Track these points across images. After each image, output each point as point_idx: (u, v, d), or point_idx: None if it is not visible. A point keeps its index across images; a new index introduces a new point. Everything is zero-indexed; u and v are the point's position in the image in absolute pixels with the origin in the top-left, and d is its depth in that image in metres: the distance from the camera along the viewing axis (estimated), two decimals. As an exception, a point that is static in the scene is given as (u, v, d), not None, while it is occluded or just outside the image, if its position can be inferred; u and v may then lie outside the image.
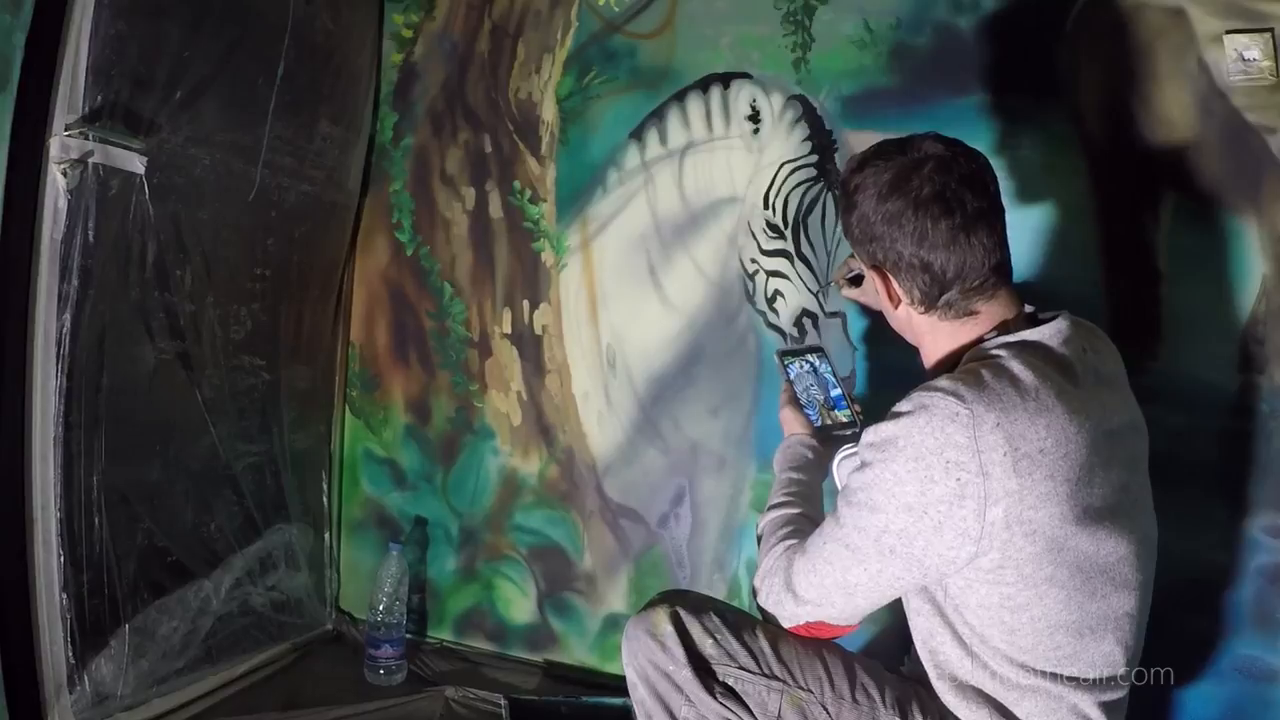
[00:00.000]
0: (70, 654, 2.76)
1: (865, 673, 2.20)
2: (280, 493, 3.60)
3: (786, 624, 2.20)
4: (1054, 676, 2.00)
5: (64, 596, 2.74)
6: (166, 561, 3.09)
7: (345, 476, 3.99)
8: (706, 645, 2.17)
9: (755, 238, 3.31)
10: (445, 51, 3.80)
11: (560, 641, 3.66)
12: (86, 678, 2.80)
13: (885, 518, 1.95)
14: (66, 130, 2.65)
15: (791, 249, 3.26)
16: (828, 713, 2.12)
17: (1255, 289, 2.73)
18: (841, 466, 2.41)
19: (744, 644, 2.18)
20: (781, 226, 3.26)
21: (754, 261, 3.31)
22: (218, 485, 3.32)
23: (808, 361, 2.73)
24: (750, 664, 2.15)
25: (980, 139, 2.92)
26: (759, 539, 2.39)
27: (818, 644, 2.22)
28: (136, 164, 2.81)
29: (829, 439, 2.59)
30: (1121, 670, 2.05)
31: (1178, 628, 2.69)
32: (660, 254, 3.46)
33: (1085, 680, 2.01)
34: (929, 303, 2.10)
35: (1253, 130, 2.72)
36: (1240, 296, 2.74)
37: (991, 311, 2.10)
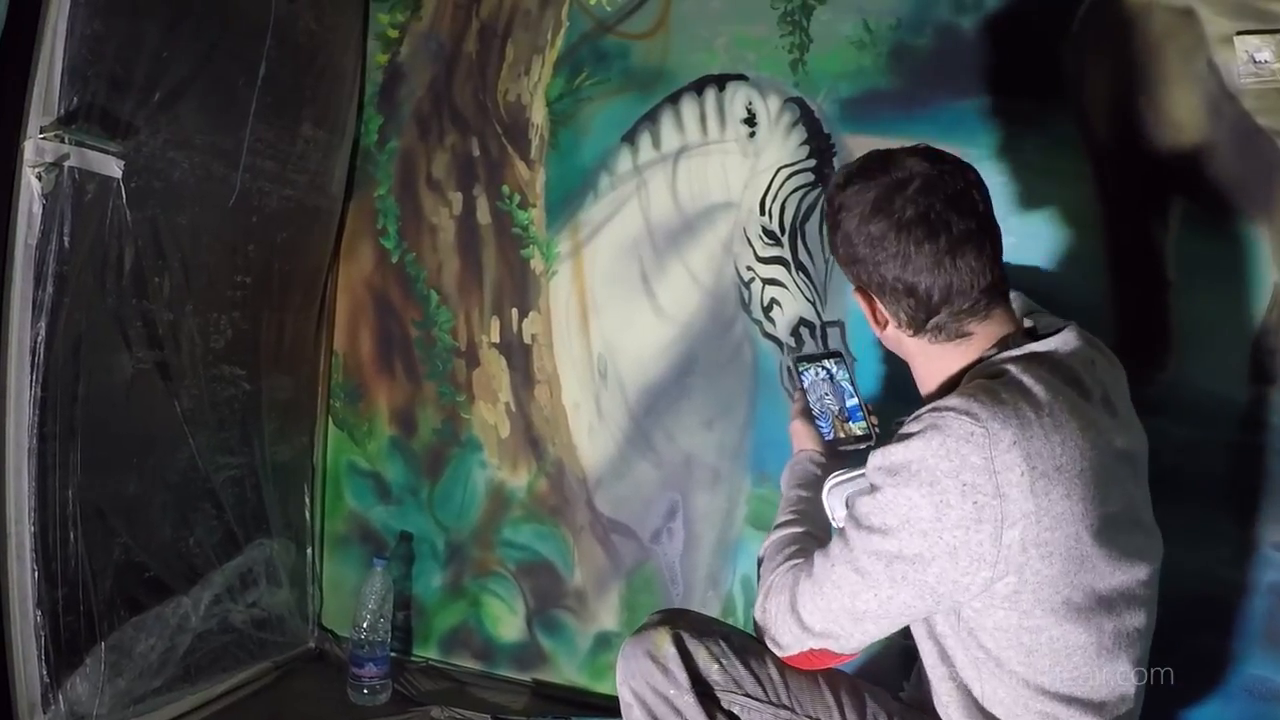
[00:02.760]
0: (44, 672, 2.75)
1: (874, 701, 2.21)
2: (261, 506, 3.59)
3: (786, 650, 2.17)
4: (1069, 699, 1.99)
5: (38, 613, 2.73)
6: (144, 577, 3.09)
7: (328, 490, 3.99)
8: (712, 670, 2.16)
9: (751, 244, 3.31)
10: (432, 52, 3.80)
11: (549, 660, 3.66)
12: (61, 697, 2.79)
13: (898, 543, 1.92)
14: (41, 133, 2.64)
15: (789, 256, 3.25)
16: None
17: (1267, 297, 2.73)
18: (832, 495, 2.31)
19: (751, 670, 2.17)
20: (778, 233, 3.26)
21: (750, 269, 3.31)
22: (197, 499, 3.32)
23: (824, 368, 2.70)
24: (757, 691, 2.15)
25: (983, 142, 2.94)
26: (760, 560, 2.37)
27: (825, 672, 2.22)
28: (113, 167, 2.81)
29: (840, 454, 2.57)
30: (1133, 689, 2.05)
31: (1186, 646, 2.69)
32: (653, 261, 3.46)
33: (1098, 703, 2.01)
34: (916, 326, 2.10)
35: (1264, 134, 2.73)
36: (1251, 305, 2.75)
37: (987, 331, 2.09)
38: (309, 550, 3.90)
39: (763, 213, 3.28)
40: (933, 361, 2.14)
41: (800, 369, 2.71)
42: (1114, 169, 2.89)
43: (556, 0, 3.61)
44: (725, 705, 2.14)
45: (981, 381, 1.97)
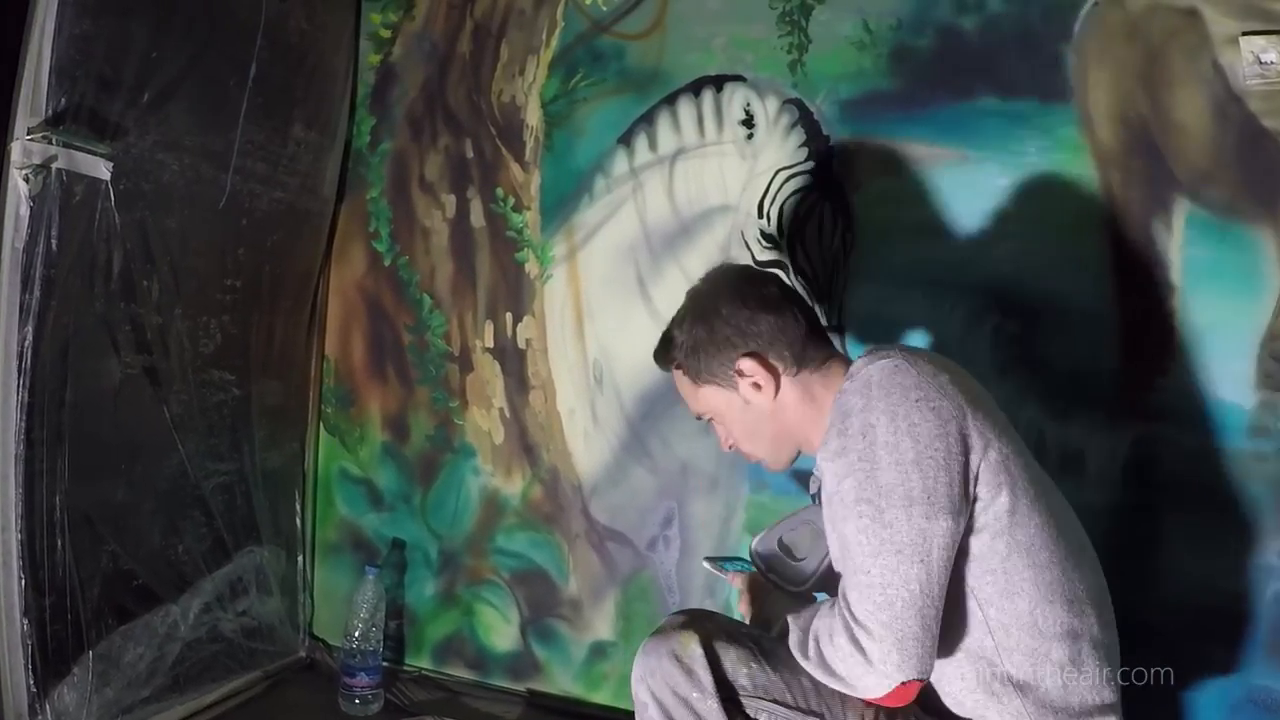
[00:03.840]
0: (31, 682, 2.75)
1: (901, 714, 2.20)
2: (251, 514, 3.59)
3: (872, 691, 2.03)
4: (1071, 603, 2.10)
5: (25, 622, 2.73)
6: (132, 585, 3.08)
7: (319, 497, 3.98)
8: (740, 674, 2.16)
9: (749, 248, 3.30)
10: (425, 52, 3.80)
11: (544, 670, 3.66)
12: (48, 707, 2.79)
13: (902, 489, 2.00)
14: (29, 134, 2.64)
15: (787, 260, 3.25)
16: None
17: (1272, 303, 2.73)
18: (762, 544, 2.52)
19: (781, 677, 2.17)
20: (776, 236, 3.26)
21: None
22: (186, 506, 3.31)
23: (739, 560, 2.81)
24: (787, 698, 2.15)
25: (984, 144, 2.95)
26: (798, 654, 2.18)
27: None
28: (102, 169, 2.81)
29: (802, 598, 2.57)
30: (1100, 593, 2.22)
31: (1191, 656, 2.69)
32: (649, 265, 3.46)
33: (1095, 601, 2.17)
34: (798, 351, 2.39)
35: (1270, 136, 2.73)
36: (1256, 310, 2.75)
37: (834, 363, 2.41)
38: (300, 558, 3.90)
39: (761, 216, 3.28)
40: (816, 392, 2.38)
41: (719, 567, 2.82)
42: (1117, 171, 2.89)
43: (551, 0, 3.61)
44: (751, 712, 2.14)
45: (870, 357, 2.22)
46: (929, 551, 1.99)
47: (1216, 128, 2.77)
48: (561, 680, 3.62)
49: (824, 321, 2.61)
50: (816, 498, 2.44)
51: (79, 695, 2.88)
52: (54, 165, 2.68)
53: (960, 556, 2.07)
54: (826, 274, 3.20)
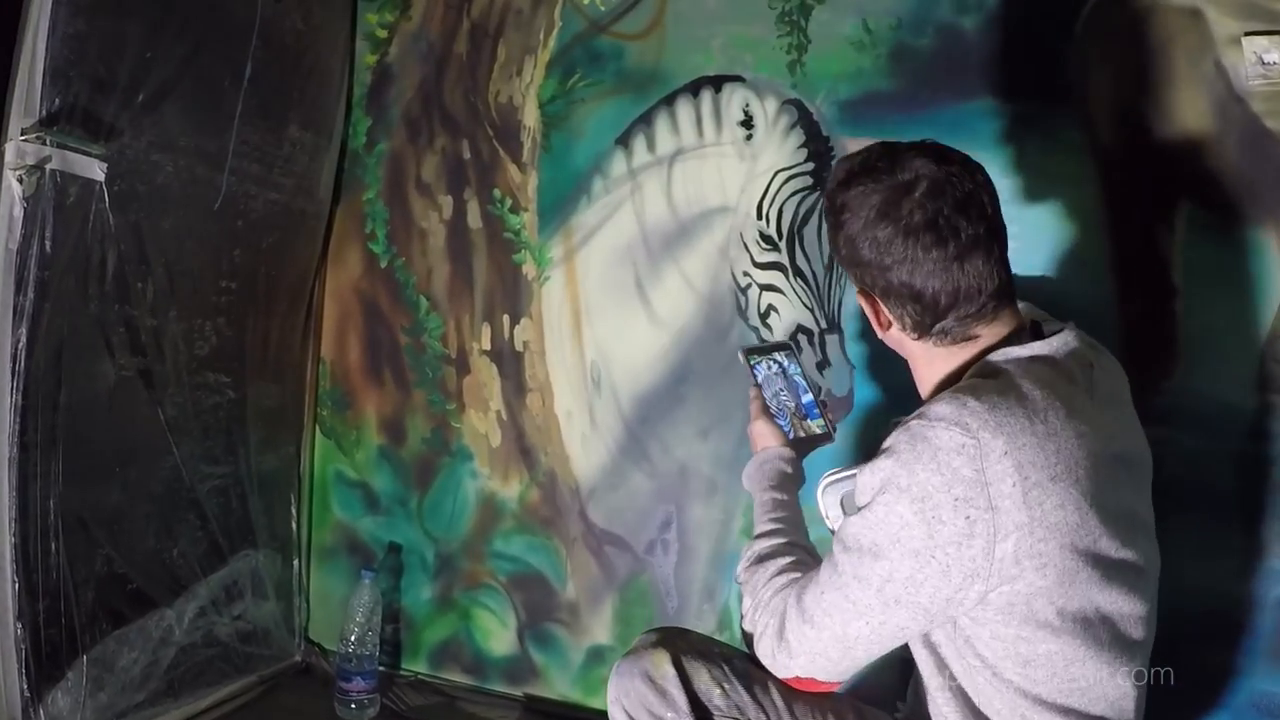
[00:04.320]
0: (25, 686, 2.75)
1: (876, 716, 2.20)
2: (246, 517, 3.59)
3: (775, 672, 2.16)
4: (1066, 710, 1.98)
5: (18, 626, 2.72)
6: (127, 589, 3.08)
7: (315, 500, 3.98)
8: (714, 695, 2.15)
9: (748, 249, 3.30)
10: (421, 52, 3.80)
11: (541, 675, 3.65)
12: (42, 711, 2.79)
13: (889, 565, 1.90)
14: (23, 134, 2.64)
15: (786, 261, 3.25)
16: None
17: (1275, 305, 2.72)
18: (827, 495, 2.34)
19: (754, 697, 2.16)
20: (775, 238, 3.25)
21: (746, 275, 3.31)
22: (181, 509, 3.31)
23: (776, 362, 2.70)
24: (760, 718, 2.14)
25: (985, 145, 2.93)
26: (746, 566, 2.31)
27: (828, 697, 2.21)
28: (96, 170, 2.80)
29: (804, 452, 2.57)
30: (1132, 702, 2.04)
31: (1192, 660, 2.69)
32: (648, 266, 3.46)
33: (1096, 716, 2.00)
34: (921, 330, 2.08)
35: (1273, 137, 2.72)
36: (1260, 313, 2.74)
37: (993, 332, 2.07)
38: (295, 562, 3.89)
39: (760, 217, 3.28)
40: (935, 363, 2.13)
41: (752, 363, 2.69)
42: (1119, 173, 2.89)
43: (549, 0, 3.60)
44: None
45: (976, 382, 1.96)
46: (883, 624, 1.97)
47: (1219, 129, 2.77)
48: (559, 685, 3.62)
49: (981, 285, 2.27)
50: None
51: (72, 700, 2.88)
52: (48, 166, 2.68)
53: (953, 627, 2.02)
54: (825, 276, 3.19)
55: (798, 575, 2.17)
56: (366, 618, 3.52)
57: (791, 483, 2.49)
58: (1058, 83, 2.95)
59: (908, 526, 1.86)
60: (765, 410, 2.63)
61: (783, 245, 3.25)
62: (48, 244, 2.71)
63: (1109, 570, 1.93)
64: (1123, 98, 2.88)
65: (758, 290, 3.29)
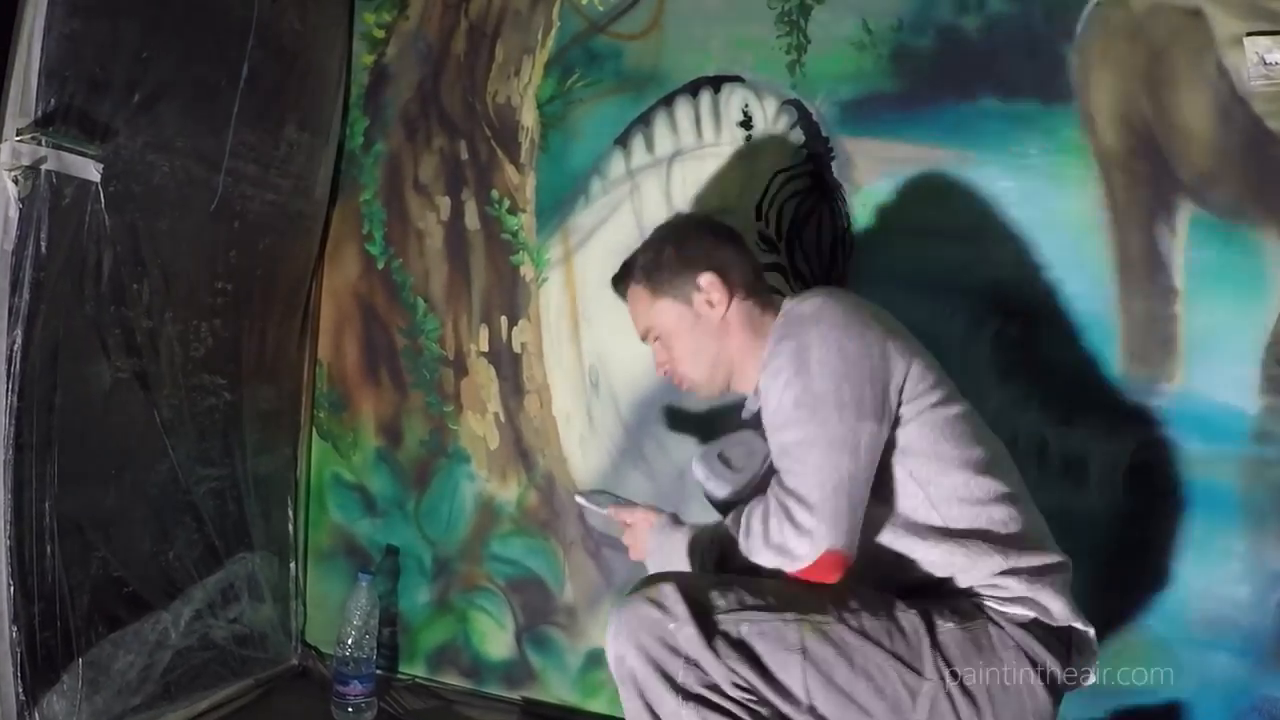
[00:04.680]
0: (20, 689, 2.74)
1: (864, 589, 2.32)
2: (243, 520, 3.58)
3: (798, 564, 2.28)
4: (1003, 497, 2.35)
5: (13, 629, 2.71)
6: (122, 592, 3.07)
7: (312, 503, 3.98)
8: (713, 596, 2.22)
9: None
10: (419, 53, 3.80)
11: (539, 678, 3.65)
12: (37, 715, 2.78)
13: (835, 393, 2.30)
14: (18, 135, 2.63)
15: (785, 263, 3.25)
16: (849, 626, 2.21)
17: (1277, 306, 2.73)
18: (703, 462, 2.77)
19: (751, 591, 2.24)
20: (775, 239, 3.25)
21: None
22: (177, 512, 3.30)
23: (606, 495, 2.96)
24: (759, 603, 2.21)
25: (985, 146, 2.95)
26: (744, 536, 2.41)
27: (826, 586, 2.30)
28: (92, 171, 2.80)
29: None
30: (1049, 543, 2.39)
31: (1196, 665, 2.69)
32: (647, 268, 3.44)
33: (1023, 499, 2.40)
34: (749, 281, 2.71)
35: (1275, 138, 2.73)
36: (1261, 314, 2.75)
37: (774, 305, 2.67)
38: (292, 564, 3.89)
39: (759, 218, 3.27)
40: (755, 320, 2.67)
41: (594, 502, 2.89)
42: (1120, 174, 2.89)
43: (547, 0, 3.60)
44: (729, 629, 2.18)
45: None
46: (857, 445, 2.28)
47: (1220, 129, 2.78)
48: (557, 688, 3.62)
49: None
50: (751, 421, 2.71)
51: (68, 703, 2.87)
52: (43, 167, 2.67)
53: (896, 449, 2.38)
54: (825, 277, 3.19)
55: (761, 495, 2.42)
56: (364, 621, 3.51)
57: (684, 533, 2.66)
58: (1059, 83, 2.95)
59: (825, 361, 2.33)
60: (635, 533, 2.81)
61: (782, 246, 3.25)
62: (43, 245, 2.70)
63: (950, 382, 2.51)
64: (1124, 98, 2.88)
65: (756, 291, 3.29)
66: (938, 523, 2.34)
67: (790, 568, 2.28)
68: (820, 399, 2.30)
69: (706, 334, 2.66)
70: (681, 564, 2.55)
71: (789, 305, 2.51)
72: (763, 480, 2.52)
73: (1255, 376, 2.75)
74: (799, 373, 2.33)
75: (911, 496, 2.37)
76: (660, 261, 2.72)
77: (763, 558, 2.33)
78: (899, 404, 2.37)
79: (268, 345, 3.69)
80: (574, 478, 3.59)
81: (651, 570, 2.61)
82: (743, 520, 2.41)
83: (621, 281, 2.87)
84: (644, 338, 2.83)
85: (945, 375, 2.49)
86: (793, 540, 2.25)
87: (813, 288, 2.70)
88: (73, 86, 2.74)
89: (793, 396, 2.33)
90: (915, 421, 2.38)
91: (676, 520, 2.71)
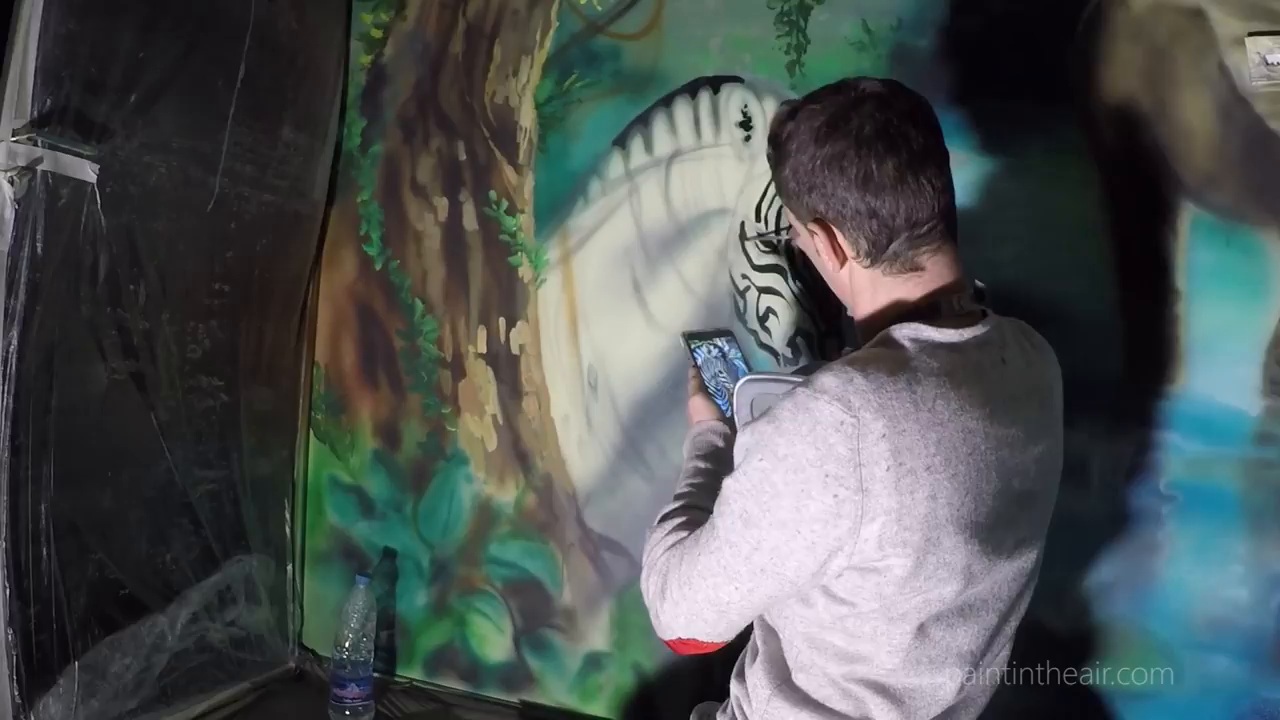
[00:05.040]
0: (16, 692, 2.74)
1: None
2: (240, 522, 3.58)
3: (662, 633, 2.21)
4: (877, 687, 2.05)
5: (9, 632, 2.72)
6: (119, 595, 3.08)
7: (309, 505, 3.98)
8: None
9: (746, 252, 3.29)
10: (417, 53, 3.79)
11: (538, 681, 3.65)
12: (33, 718, 2.78)
13: (758, 533, 1.93)
14: (14, 135, 2.63)
15: (785, 264, 3.24)
16: None
17: (1279, 308, 2.72)
18: (742, 392, 2.39)
19: None
20: (774, 240, 3.24)
21: (745, 277, 3.30)
22: (173, 514, 3.30)
23: (716, 346, 2.78)
24: None
25: (986, 147, 2.94)
26: (651, 528, 2.36)
27: None
28: (88, 172, 2.80)
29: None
30: (949, 702, 2.09)
31: (1196, 668, 2.69)
32: (645, 269, 3.45)
33: (905, 703, 2.06)
34: (876, 253, 2.07)
35: (1277, 139, 2.72)
36: (1263, 316, 2.74)
37: (935, 270, 2.08)
38: (289, 567, 3.89)
39: (758, 219, 3.27)
40: (879, 295, 2.12)
41: (693, 346, 2.77)
42: (1121, 175, 2.89)
43: (545, 0, 3.60)
44: None
45: (871, 354, 1.96)
46: (752, 591, 2.01)
47: (1222, 130, 2.77)
48: (555, 691, 3.62)
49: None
50: (803, 369, 2.57)
51: (64, 706, 2.87)
52: (39, 168, 2.67)
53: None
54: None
55: (686, 535, 2.20)
56: (361, 624, 3.52)
57: (721, 454, 2.53)
58: (1059, 84, 2.95)
59: (778, 496, 1.89)
60: (703, 388, 2.71)
61: (782, 248, 3.24)
62: (39, 246, 2.70)
63: (967, 575, 1.96)
64: (1125, 99, 2.88)
65: (756, 293, 3.28)
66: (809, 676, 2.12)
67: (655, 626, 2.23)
68: (745, 525, 1.96)
69: (825, 266, 2.21)
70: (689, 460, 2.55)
71: (828, 371, 1.90)
72: None
73: (1257, 378, 2.74)
74: (750, 473, 1.94)
75: (765, 645, 2.22)
76: (781, 172, 2.17)
77: (641, 583, 2.28)
78: (831, 579, 1.97)
79: (265, 347, 3.69)
80: (572, 480, 3.59)
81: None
82: (655, 523, 2.34)
83: (768, 145, 2.27)
84: None
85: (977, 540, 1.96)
86: (654, 611, 2.20)
87: (896, 338, 2.02)
88: (69, 87, 2.74)
89: (732, 487, 1.99)
90: (823, 597, 2.02)
91: (701, 437, 2.62)
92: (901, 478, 1.82)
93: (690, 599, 2.09)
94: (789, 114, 2.14)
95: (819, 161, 2.04)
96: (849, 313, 2.24)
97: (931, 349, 1.97)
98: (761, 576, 1.97)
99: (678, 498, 2.42)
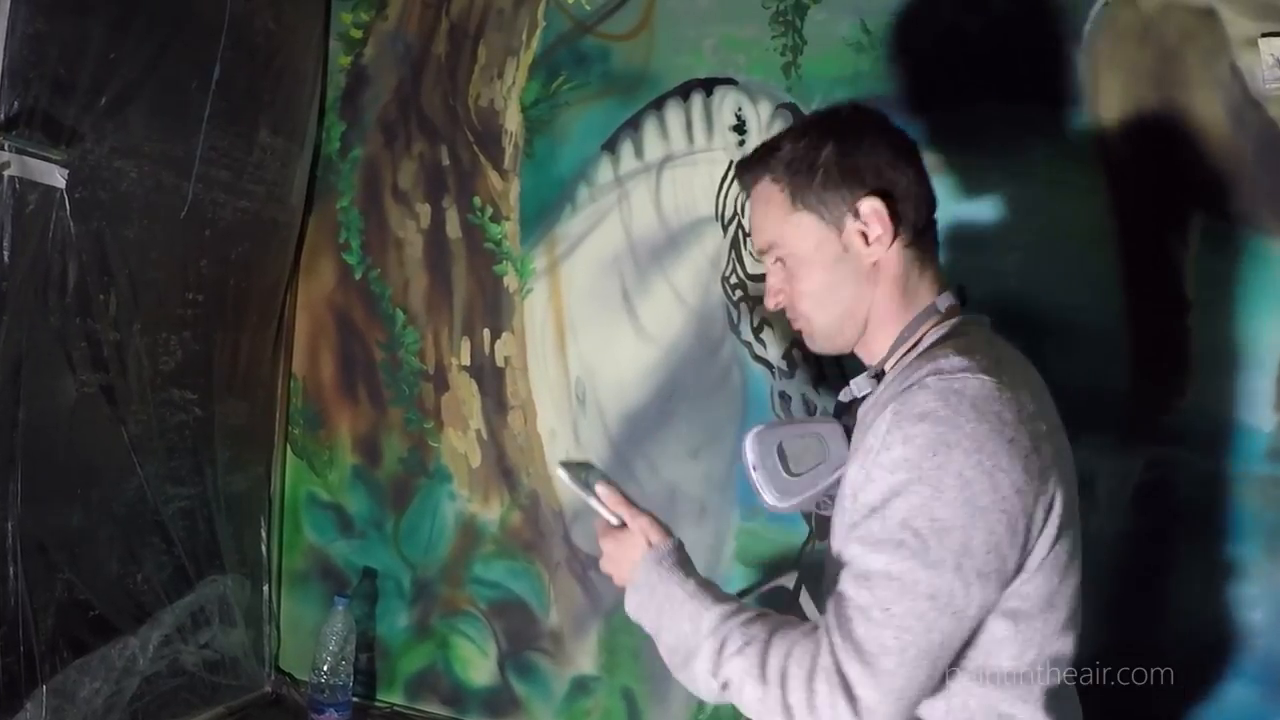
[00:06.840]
0: (-20, 718, 2.73)
1: None
2: (214, 540, 3.57)
3: None
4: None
5: (-26, 655, 2.71)
6: (89, 616, 3.06)
7: (286, 523, 3.97)
8: None
9: (740, 260, 3.28)
10: (398, 54, 3.79)
11: (523, 706, 3.64)
12: (-1, 745, 2.78)
13: (962, 535, 1.78)
14: (-21, 139, 2.62)
15: (781, 272, 3.23)
16: None
17: (1292, 319, 2.72)
18: (762, 440, 2.27)
19: None
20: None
21: (739, 287, 3.30)
22: (145, 532, 3.29)
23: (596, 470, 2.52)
24: None
25: (989, 151, 2.95)
26: (726, 657, 1.95)
27: None
28: (57, 177, 2.79)
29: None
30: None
31: (1210, 696, 2.68)
32: (635, 278, 3.45)
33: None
34: (918, 228, 2.17)
35: (1290, 144, 2.72)
36: (1276, 327, 2.74)
37: (935, 270, 2.23)
38: (265, 587, 3.88)
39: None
40: (925, 276, 2.19)
41: (577, 476, 2.48)
42: (1129, 181, 2.88)
43: (531, -1, 3.59)
44: None
45: (959, 340, 2.03)
46: (967, 608, 1.81)
47: (1234, 134, 2.76)
48: (541, 716, 3.60)
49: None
50: (840, 411, 2.33)
51: (31, 732, 2.87)
52: (6, 172, 2.66)
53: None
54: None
55: (800, 632, 1.94)
56: (340, 646, 3.51)
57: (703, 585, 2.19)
58: (1065, 86, 2.94)
59: (969, 484, 1.79)
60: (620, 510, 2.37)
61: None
62: (6, 254, 2.69)
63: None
64: (1133, 102, 2.87)
65: (751, 303, 3.27)
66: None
67: None
68: (941, 532, 1.78)
69: (850, 274, 2.15)
70: (670, 628, 2.12)
71: (941, 354, 1.94)
72: (824, 492, 2.28)
73: (1270, 392, 2.73)
74: (926, 479, 1.81)
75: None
76: (814, 160, 2.14)
77: (776, 700, 1.86)
78: (1021, 568, 1.89)
79: (240, 359, 3.67)
80: (559, 497, 3.58)
81: (629, 609, 2.27)
82: (767, 654, 1.91)
83: (750, 171, 2.28)
84: (762, 253, 2.29)
85: (1075, 514, 2.03)
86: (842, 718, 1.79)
87: (965, 327, 2.11)
88: (37, 89, 2.73)
89: (905, 509, 1.82)
90: (1038, 571, 1.90)
91: (681, 553, 2.28)
92: (1053, 433, 1.96)
93: (893, 673, 1.78)
94: (766, 150, 2.27)
95: (883, 144, 2.18)
96: (856, 334, 2.22)
97: (991, 332, 2.13)
98: (978, 584, 1.80)
99: (724, 617, 2.01)
